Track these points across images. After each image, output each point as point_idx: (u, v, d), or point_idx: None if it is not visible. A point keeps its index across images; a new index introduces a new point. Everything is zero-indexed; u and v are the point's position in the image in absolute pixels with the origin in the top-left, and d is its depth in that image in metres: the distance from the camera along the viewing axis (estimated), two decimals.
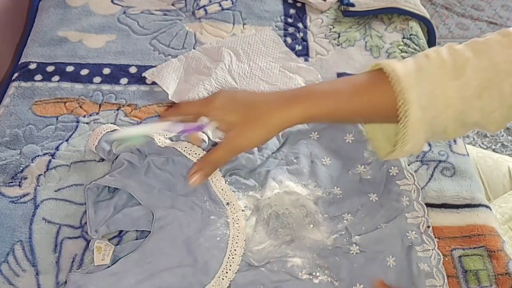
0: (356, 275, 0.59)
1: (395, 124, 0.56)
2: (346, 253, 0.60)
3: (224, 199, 0.62)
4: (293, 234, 0.62)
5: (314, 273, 0.58)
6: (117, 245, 0.61)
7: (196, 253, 0.58)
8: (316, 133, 0.70)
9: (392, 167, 0.66)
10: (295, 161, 0.67)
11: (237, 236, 0.60)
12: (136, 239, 0.61)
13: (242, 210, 0.62)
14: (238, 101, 0.57)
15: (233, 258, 0.58)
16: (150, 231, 0.59)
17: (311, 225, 0.62)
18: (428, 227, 0.62)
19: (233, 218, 0.61)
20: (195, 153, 0.64)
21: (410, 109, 0.53)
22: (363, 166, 0.67)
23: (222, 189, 0.63)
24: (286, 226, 0.62)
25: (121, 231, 0.62)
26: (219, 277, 0.57)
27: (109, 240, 0.61)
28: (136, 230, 0.62)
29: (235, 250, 0.59)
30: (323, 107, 0.56)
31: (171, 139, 0.66)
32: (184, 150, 0.63)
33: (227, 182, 0.64)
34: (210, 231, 0.60)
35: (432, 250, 0.61)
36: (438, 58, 0.55)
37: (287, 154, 0.68)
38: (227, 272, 0.57)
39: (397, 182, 0.66)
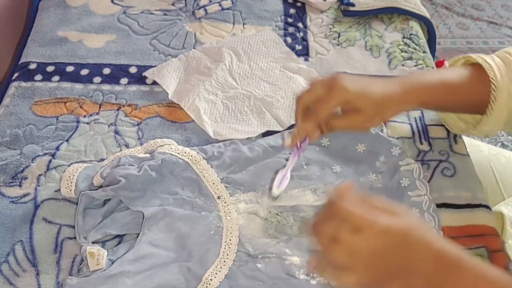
0: None
1: None
2: None
3: (215, 193, 0.63)
4: (291, 235, 0.62)
5: (311, 274, 0.58)
6: (117, 245, 0.61)
7: (191, 248, 0.58)
8: (327, 139, 0.70)
9: (404, 178, 0.66)
10: (305, 167, 0.67)
11: (231, 227, 0.60)
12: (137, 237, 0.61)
13: (233, 203, 0.62)
14: (365, 90, 0.60)
15: (229, 247, 0.59)
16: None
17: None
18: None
19: (224, 211, 0.62)
20: (185, 153, 0.65)
21: (499, 95, 0.61)
22: (374, 175, 0.67)
23: (213, 183, 0.64)
24: (283, 231, 0.62)
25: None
26: (216, 266, 0.57)
27: (110, 240, 0.61)
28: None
29: (230, 240, 0.59)
30: (434, 99, 0.63)
31: None
32: (171, 149, 0.65)
33: (223, 181, 0.64)
34: (203, 225, 0.60)
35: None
36: None
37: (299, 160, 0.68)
38: (224, 261, 0.58)
39: (408, 193, 0.65)
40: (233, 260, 0.58)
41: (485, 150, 0.86)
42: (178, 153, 0.65)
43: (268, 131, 0.73)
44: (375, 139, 0.70)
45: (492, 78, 0.61)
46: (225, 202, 0.62)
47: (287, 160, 0.67)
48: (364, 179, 0.67)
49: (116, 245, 0.61)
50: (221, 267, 0.57)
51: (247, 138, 0.72)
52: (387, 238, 0.45)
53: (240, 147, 0.68)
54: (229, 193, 0.64)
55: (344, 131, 0.64)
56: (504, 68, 0.63)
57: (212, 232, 0.60)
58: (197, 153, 0.66)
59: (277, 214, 0.63)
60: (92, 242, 0.60)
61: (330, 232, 0.45)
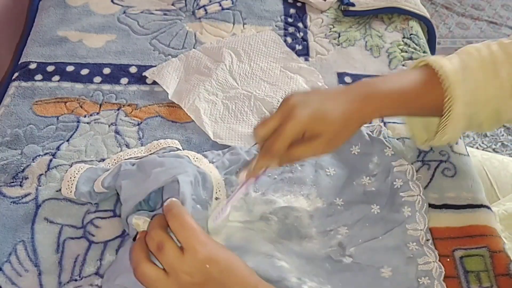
0: (348, 282, 0.58)
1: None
2: (338, 262, 0.59)
3: (216, 193, 0.62)
4: (281, 241, 0.61)
5: (302, 278, 0.57)
6: (119, 245, 0.61)
7: None
8: None
9: (397, 180, 0.66)
10: (299, 168, 0.67)
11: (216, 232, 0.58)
12: None
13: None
14: (321, 112, 0.56)
15: None
16: None
17: (304, 239, 0.61)
18: (428, 240, 0.62)
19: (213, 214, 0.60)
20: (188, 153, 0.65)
21: (454, 104, 0.58)
22: (368, 178, 0.67)
23: (218, 183, 0.62)
24: (271, 235, 0.61)
25: (124, 231, 0.62)
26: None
27: (114, 239, 0.61)
28: None
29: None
30: (391, 108, 0.60)
31: None
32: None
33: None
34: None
35: (434, 262, 0.60)
36: (480, 57, 0.61)
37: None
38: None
39: (401, 194, 0.65)
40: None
41: (478, 155, 0.87)
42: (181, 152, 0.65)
43: None
44: (368, 141, 0.69)
45: (446, 87, 0.58)
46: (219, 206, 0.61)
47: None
48: (357, 183, 0.67)
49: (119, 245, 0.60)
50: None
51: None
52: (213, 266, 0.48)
53: (238, 151, 0.68)
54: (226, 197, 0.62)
55: (306, 159, 0.61)
56: (461, 73, 0.59)
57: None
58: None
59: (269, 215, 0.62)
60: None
61: (159, 240, 0.48)
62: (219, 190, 0.62)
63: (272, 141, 0.55)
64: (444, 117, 0.60)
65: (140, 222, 0.55)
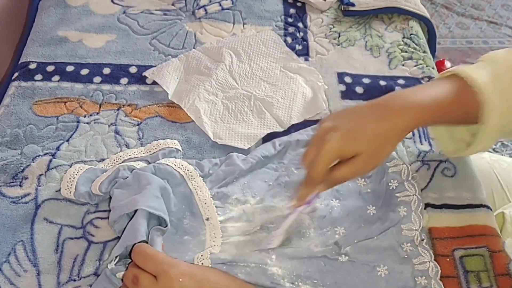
0: (342, 282, 0.58)
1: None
2: (333, 261, 0.59)
3: (205, 213, 0.62)
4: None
5: (296, 283, 0.57)
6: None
7: None
8: None
9: (392, 181, 0.66)
10: (295, 172, 0.67)
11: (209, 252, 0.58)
12: None
13: (221, 225, 0.61)
14: (357, 134, 0.56)
15: (202, 263, 0.57)
16: None
17: (299, 238, 0.61)
18: (422, 240, 0.62)
19: (210, 235, 0.60)
20: (182, 165, 0.65)
21: (490, 117, 0.58)
22: (363, 180, 0.67)
23: (205, 203, 0.62)
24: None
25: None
26: None
27: (113, 239, 0.61)
28: None
29: (201, 255, 0.57)
30: (427, 119, 0.59)
31: None
32: (169, 162, 0.65)
33: (213, 197, 0.63)
34: (180, 250, 0.59)
35: (429, 262, 0.60)
36: (507, 65, 0.60)
37: (288, 166, 0.68)
38: None
39: (396, 194, 0.65)
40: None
41: (486, 157, 0.86)
42: (175, 164, 0.64)
43: (267, 134, 0.73)
44: None
45: (482, 101, 0.58)
46: (212, 225, 0.61)
47: (276, 171, 0.67)
48: (353, 185, 0.67)
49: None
50: None
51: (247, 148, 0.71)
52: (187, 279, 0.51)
53: (234, 160, 0.67)
54: (218, 213, 0.62)
55: (349, 179, 0.60)
56: (494, 83, 0.59)
57: (186, 257, 0.57)
58: (194, 169, 0.65)
59: (264, 226, 0.62)
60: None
61: (133, 275, 0.52)
62: (208, 210, 0.62)
63: (310, 169, 0.56)
64: (481, 128, 0.59)
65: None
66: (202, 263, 0.56)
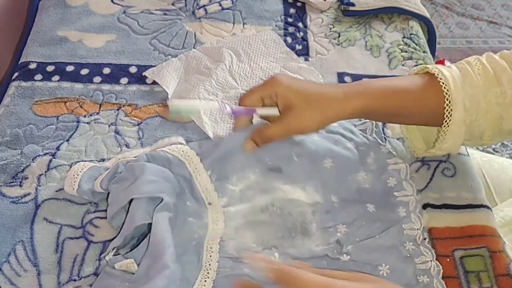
0: None
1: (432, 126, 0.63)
2: (335, 260, 0.59)
3: (207, 199, 0.62)
4: (279, 242, 0.60)
5: None
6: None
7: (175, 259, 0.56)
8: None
9: (391, 178, 0.66)
10: (296, 159, 0.66)
11: (214, 236, 0.58)
12: None
13: (223, 212, 0.61)
14: (300, 86, 0.59)
15: (210, 256, 0.57)
16: None
17: (303, 236, 0.61)
18: (425, 239, 0.62)
19: (212, 219, 0.60)
20: (176, 148, 0.64)
21: (455, 109, 0.58)
22: (364, 173, 0.67)
23: (206, 189, 0.62)
24: (274, 235, 0.61)
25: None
26: (201, 280, 0.56)
27: (113, 239, 0.60)
28: None
29: (211, 248, 0.58)
30: (378, 104, 0.59)
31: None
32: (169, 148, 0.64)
33: (212, 178, 0.63)
34: (186, 234, 0.58)
35: (431, 261, 0.60)
36: (480, 65, 0.61)
37: (289, 154, 0.67)
38: (208, 272, 0.57)
39: (394, 193, 0.65)
40: (216, 270, 0.57)
41: (477, 157, 0.86)
42: (169, 149, 0.63)
43: None
44: (363, 138, 0.69)
45: (446, 91, 0.58)
46: (215, 209, 0.61)
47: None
48: (352, 178, 0.66)
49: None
50: (205, 281, 0.56)
51: None
52: None
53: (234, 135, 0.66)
54: (219, 195, 0.62)
55: (281, 138, 0.61)
56: (460, 79, 0.59)
57: (194, 243, 0.58)
58: (190, 148, 0.64)
59: (273, 207, 0.62)
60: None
61: None
62: (210, 195, 0.62)
63: (244, 95, 0.61)
64: (445, 122, 0.60)
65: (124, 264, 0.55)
66: (211, 256, 0.56)
